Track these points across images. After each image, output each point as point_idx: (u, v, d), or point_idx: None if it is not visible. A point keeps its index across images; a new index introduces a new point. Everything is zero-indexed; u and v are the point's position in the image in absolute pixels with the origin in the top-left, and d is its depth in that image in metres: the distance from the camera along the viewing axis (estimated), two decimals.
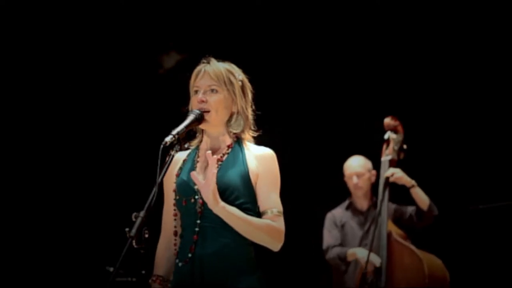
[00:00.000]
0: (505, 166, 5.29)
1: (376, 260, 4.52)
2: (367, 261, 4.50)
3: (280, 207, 2.65)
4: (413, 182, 4.65)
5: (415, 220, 4.70)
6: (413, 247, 4.53)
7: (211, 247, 2.59)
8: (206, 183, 2.50)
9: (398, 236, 4.60)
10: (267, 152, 2.70)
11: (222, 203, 2.53)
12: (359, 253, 4.66)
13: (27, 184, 5.45)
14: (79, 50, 5.54)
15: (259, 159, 2.67)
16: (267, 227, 2.60)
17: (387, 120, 4.73)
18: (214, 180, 2.50)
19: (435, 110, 5.52)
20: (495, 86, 5.38)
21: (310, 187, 5.73)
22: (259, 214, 2.66)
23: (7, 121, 5.44)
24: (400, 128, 4.70)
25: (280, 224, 2.63)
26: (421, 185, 4.70)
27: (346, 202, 5.02)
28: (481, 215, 4.36)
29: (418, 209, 4.67)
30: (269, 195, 2.64)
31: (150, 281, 2.71)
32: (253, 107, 2.76)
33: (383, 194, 4.60)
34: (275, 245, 2.64)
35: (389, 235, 4.57)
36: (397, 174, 4.62)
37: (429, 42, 5.48)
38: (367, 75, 5.66)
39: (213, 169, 2.51)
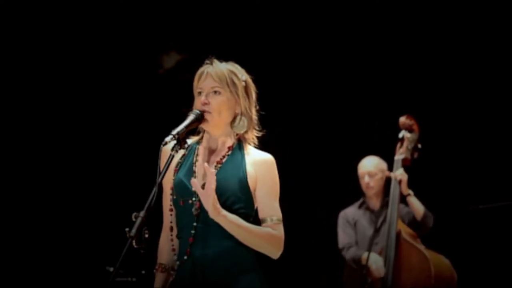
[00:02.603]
0: (505, 166, 5.29)
1: (381, 270, 4.51)
2: (367, 261, 4.49)
3: (279, 214, 2.64)
4: (409, 191, 4.65)
5: (413, 227, 4.70)
6: (421, 247, 4.52)
7: (208, 249, 2.58)
8: (206, 194, 2.49)
9: (408, 235, 4.58)
10: (266, 158, 2.67)
11: (223, 212, 2.52)
12: (370, 258, 4.61)
13: (27, 184, 5.45)
14: (79, 50, 5.54)
15: (259, 164, 2.64)
16: (267, 235, 2.60)
17: (403, 119, 4.71)
18: (213, 191, 2.48)
19: (435, 109, 5.52)
20: (495, 86, 5.38)
21: (310, 188, 5.72)
22: (255, 219, 2.65)
23: (7, 121, 5.44)
24: (415, 127, 4.69)
25: (280, 232, 2.62)
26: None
27: (360, 201, 5.00)
28: (481, 215, 4.36)
29: (414, 217, 4.68)
30: (269, 202, 2.63)
31: (154, 271, 2.71)
32: (257, 107, 2.74)
33: (393, 194, 4.60)
34: (275, 253, 2.64)
35: (398, 234, 4.56)
36: (401, 177, 4.62)
37: (442, 43, 5.46)
38: (369, 75, 5.66)
39: (212, 184, 2.49)
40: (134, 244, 2.33)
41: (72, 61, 5.56)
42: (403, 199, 4.68)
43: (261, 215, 2.64)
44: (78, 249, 5.41)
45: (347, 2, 5.51)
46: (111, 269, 2.46)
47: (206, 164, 2.56)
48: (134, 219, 2.36)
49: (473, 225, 5.14)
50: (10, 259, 5.34)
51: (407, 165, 4.65)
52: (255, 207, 2.66)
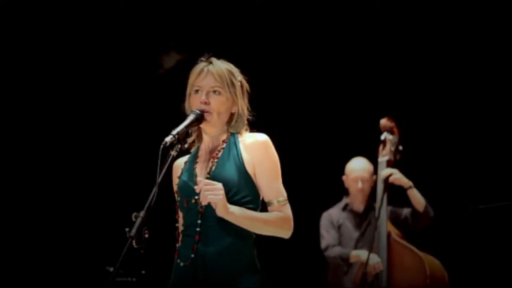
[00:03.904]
0: (505, 166, 5.29)
1: (379, 264, 4.51)
2: (367, 261, 4.49)
3: (284, 194, 2.64)
4: (410, 183, 4.64)
5: (411, 222, 4.69)
6: (413, 247, 4.52)
7: (213, 246, 2.58)
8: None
9: (397, 236, 4.60)
10: (258, 139, 2.66)
11: (231, 209, 2.52)
12: (364, 256, 4.59)
13: (27, 184, 5.45)
14: (79, 50, 5.54)
15: (252, 147, 2.64)
16: (276, 220, 2.60)
17: (383, 121, 4.73)
18: (221, 192, 2.49)
19: (436, 110, 5.53)
20: (491, 86, 5.38)
21: (310, 188, 5.72)
22: (262, 203, 2.65)
23: (7, 121, 5.44)
24: (395, 130, 4.71)
25: (287, 212, 2.64)
26: (421, 185, 4.70)
27: (343, 203, 4.99)
28: (481, 215, 4.36)
29: (414, 210, 4.66)
30: (270, 184, 2.63)
31: None
32: (249, 107, 2.75)
33: (382, 195, 4.59)
34: (286, 234, 2.65)
35: (388, 235, 4.57)
36: (395, 175, 4.61)
37: (426, 44, 5.48)
38: (367, 75, 5.66)
39: (219, 195, 2.49)
40: (134, 244, 2.33)
41: (72, 61, 5.56)
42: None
43: (266, 198, 2.64)
44: (78, 249, 5.41)
45: (346, 6, 5.52)
46: (111, 269, 2.46)
47: (199, 180, 2.54)
48: (134, 219, 2.36)
49: (473, 225, 5.14)
50: (10, 259, 5.34)
51: (390, 167, 4.66)
52: (260, 193, 2.65)
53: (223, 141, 2.69)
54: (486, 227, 5.13)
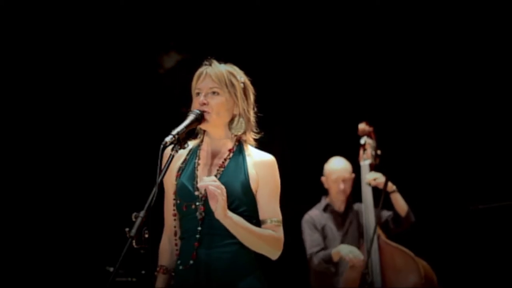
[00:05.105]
0: (505, 166, 5.29)
1: (360, 256, 4.50)
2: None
3: (279, 216, 2.67)
4: (394, 187, 4.66)
5: (391, 226, 4.71)
6: (404, 248, 4.53)
7: (213, 253, 2.60)
8: (215, 196, 2.50)
9: (386, 238, 4.61)
10: (267, 159, 2.69)
11: (229, 214, 2.53)
12: (343, 250, 4.59)
13: (27, 184, 5.45)
14: (79, 50, 5.54)
15: (260, 166, 2.67)
16: (268, 237, 2.62)
17: (362, 126, 4.77)
18: (224, 194, 2.50)
19: (435, 111, 5.53)
20: (476, 86, 5.39)
21: (310, 188, 5.72)
22: (259, 220, 2.67)
23: (7, 121, 5.44)
24: (373, 135, 4.74)
25: (280, 233, 2.65)
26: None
27: (323, 204, 4.97)
28: (481, 215, 4.36)
29: (396, 214, 4.67)
30: (269, 203, 2.65)
31: (155, 273, 2.73)
32: (255, 109, 2.75)
33: (367, 199, 4.61)
34: (274, 254, 2.67)
35: (378, 238, 4.57)
36: (379, 179, 4.62)
37: (405, 47, 5.52)
38: (366, 76, 5.67)
39: (222, 196, 2.50)
40: (134, 244, 2.33)
41: (72, 61, 5.56)
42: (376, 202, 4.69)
43: (261, 216, 2.66)
44: (78, 249, 5.41)
45: (345, 8, 5.53)
46: (111, 269, 2.47)
47: (205, 180, 2.54)
48: (134, 219, 2.36)
49: (473, 225, 5.14)
50: (10, 259, 5.34)
51: (371, 170, 4.68)
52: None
53: (230, 150, 2.70)
54: (486, 227, 5.13)
